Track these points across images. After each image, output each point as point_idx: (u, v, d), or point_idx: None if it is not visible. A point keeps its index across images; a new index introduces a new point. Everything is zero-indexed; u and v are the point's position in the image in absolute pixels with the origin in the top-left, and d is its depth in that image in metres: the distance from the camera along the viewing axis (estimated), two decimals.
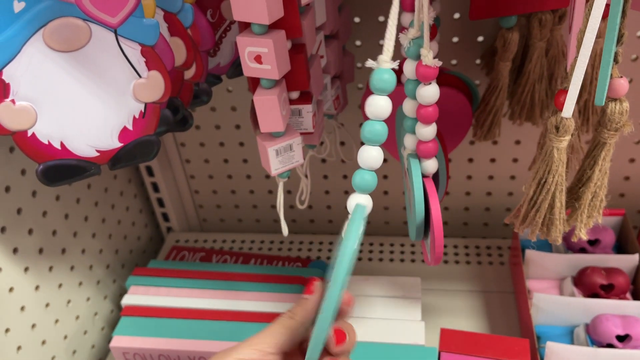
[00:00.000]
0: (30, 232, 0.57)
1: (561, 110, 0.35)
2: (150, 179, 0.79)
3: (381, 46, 0.65)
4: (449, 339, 0.54)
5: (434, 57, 0.39)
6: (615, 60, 0.37)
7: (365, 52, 0.65)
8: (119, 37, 0.38)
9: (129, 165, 0.44)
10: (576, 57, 0.33)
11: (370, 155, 0.37)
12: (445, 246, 0.77)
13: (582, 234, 0.42)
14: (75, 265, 0.65)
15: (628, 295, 0.59)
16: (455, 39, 0.63)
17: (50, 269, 0.61)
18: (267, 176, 0.79)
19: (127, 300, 0.66)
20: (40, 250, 0.59)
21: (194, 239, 0.83)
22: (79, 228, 0.66)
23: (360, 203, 0.37)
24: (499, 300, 0.67)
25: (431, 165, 0.44)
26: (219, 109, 0.73)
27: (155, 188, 0.80)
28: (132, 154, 0.44)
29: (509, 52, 0.48)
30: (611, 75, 0.37)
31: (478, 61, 0.64)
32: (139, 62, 0.40)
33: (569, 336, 0.57)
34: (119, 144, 0.43)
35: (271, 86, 0.44)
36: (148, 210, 0.84)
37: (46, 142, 0.40)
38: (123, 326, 0.63)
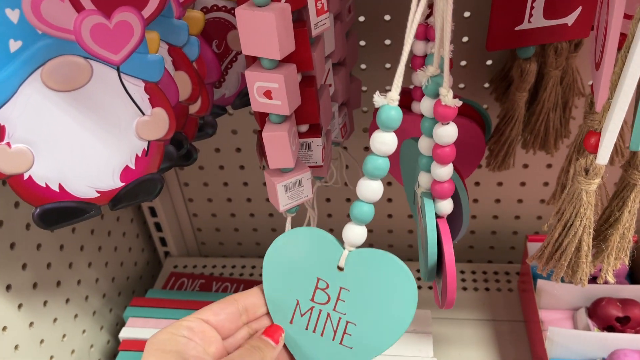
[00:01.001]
0: (24, 267, 0.55)
1: (593, 153, 0.33)
2: (147, 203, 0.76)
3: (387, 69, 0.64)
4: None
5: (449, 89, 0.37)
6: None
7: (371, 75, 0.63)
8: (122, 75, 0.36)
9: (130, 204, 0.42)
10: (609, 99, 0.31)
11: (371, 189, 0.35)
12: None
13: (610, 277, 0.40)
14: (71, 297, 0.63)
15: None
16: (463, 63, 0.61)
17: (45, 303, 0.58)
18: (267, 199, 0.77)
19: (125, 333, 0.64)
20: (35, 285, 0.57)
21: (192, 264, 0.81)
22: (75, 258, 0.63)
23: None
24: (508, 330, 0.65)
25: (446, 206, 0.42)
26: (219, 131, 0.70)
27: (153, 212, 0.78)
28: (134, 193, 0.41)
29: (526, 83, 0.47)
30: None
31: (487, 85, 0.62)
32: (143, 99, 0.38)
33: None
34: (120, 184, 0.40)
35: (281, 121, 0.42)
36: (145, 234, 0.81)
37: (43, 185, 0.37)
38: None
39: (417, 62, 0.48)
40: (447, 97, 0.32)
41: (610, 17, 0.32)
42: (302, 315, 0.38)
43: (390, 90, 0.33)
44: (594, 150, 0.33)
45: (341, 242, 0.37)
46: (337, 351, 0.37)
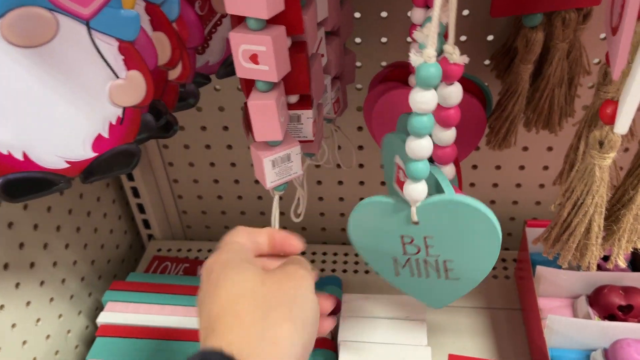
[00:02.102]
0: None
1: (609, 123, 0.30)
2: (130, 184, 0.73)
3: (384, 44, 0.60)
4: None
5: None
6: None
7: (366, 50, 0.60)
8: (92, 31, 0.33)
9: (105, 177, 0.39)
10: (629, 63, 0.28)
11: (420, 146, 0.36)
12: None
13: (620, 261, 0.37)
14: (46, 280, 0.59)
15: None
16: (463, 38, 0.58)
17: (17, 285, 0.55)
18: (257, 181, 0.74)
19: (103, 318, 0.60)
20: (6, 266, 0.53)
21: (177, 247, 0.78)
22: (50, 239, 0.60)
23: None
24: (505, 318, 0.63)
25: (449, 171, 0.39)
26: (205, 108, 0.67)
27: (135, 193, 0.74)
28: (109, 165, 0.38)
29: (532, 54, 0.43)
30: None
31: (487, 62, 0.59)
32: (116, 60, 0.34)
33: None
34: (92, 154, 0.37)
35: (268, 89, 0.39)
36: (127, 216, 0.78)
37: (6, 153, 0.34)
38: (98, 348, 0.58)
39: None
40: (455, 54, 0.29)
41: None
42: (403, 267, 0.43)
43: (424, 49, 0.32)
44: (611, 120, 0.30)
45: (404, 202, 0.40)
46: (448, 285, 0.43)
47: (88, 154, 0.37)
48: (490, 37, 0.57)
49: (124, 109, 0.36)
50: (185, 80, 0.41)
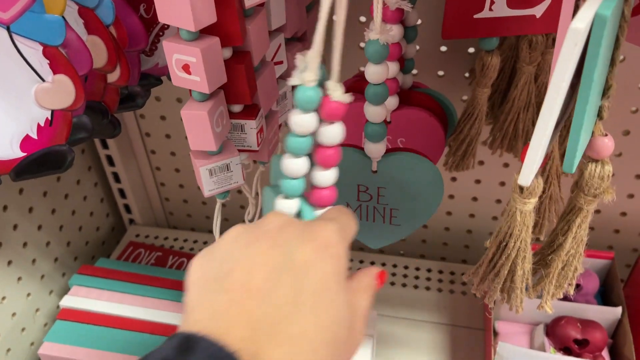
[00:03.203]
0: None
1: None
2: (111, 169, 0.74)
3: (361, 49, 0.59)
4: None
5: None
6: (600, 116, 0.30)
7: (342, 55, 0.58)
8: (14, 35, 0.33)
9: (37, 176, 0.39)
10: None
11: (298, 165, 0.31)
12: (417, 269, 0.71)
13: (548, 307, 0.36)
14: (14, 259, 0.61)
15: (604, 353, 0.53)
16: (443, 48, 0.56)
17: None
18: None
19: (66, 301, 0.62)
20: None
21: (155, 234, 0.79)
22: (20, 220, 0.61)
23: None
24: (466, 337, 0.62)
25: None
26: (185, 100, 0.67)
27: (117, 178, 0.75)
28: (39, 164, 0.38)
29: (487, 78, 0.42)
30: (593, 132, 0.31)
31: (442, 72, 0.57)
32: (42, 64, 0.34)
33: None
34: (21, 154, 0.37)
35: (203, 99, 0.38)
36: (111, 199, 0.79)
37: None
38: (56, 331, 0.59)
39: None
40: (336, 92, 0.27)
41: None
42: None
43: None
44: None
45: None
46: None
47: (16, 153, 0.37)
48: (471, 50, 0.56)
49: (53, 111, 0.36)
50: (126, 83, 0.40)
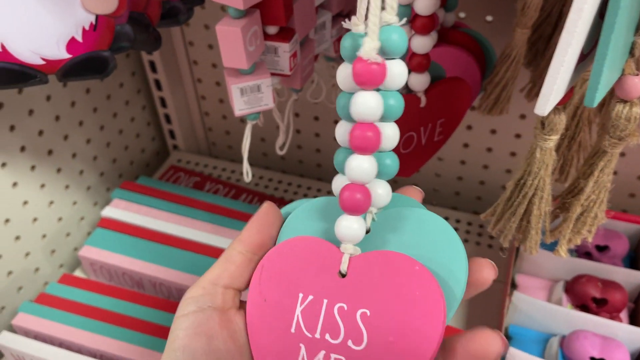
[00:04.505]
0: (11, 128, 0.57)
1: None
2: (158, 93, 0.77)
3: None
4: None
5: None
6: (632, 54, 0.29)
7: None
8: None
9: (80, 79, 0.41)
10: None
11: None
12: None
13: (562, 252, 0.36)
14: (63, 168, 0.65)
15: (622, 315, 0.52)
16: None
17: (32, 168, 0.61)
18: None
19: (107, 212, 0.66)
20: (22, 148, 0.59)
21: (196, 161, 0.82)
22: (71, 132, 0.65)
23: None
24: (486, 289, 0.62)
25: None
26: None
27: (164, 103, 0.78)
28: (83, 67, 0.40)
29: (527, 18, 0.40)
30: (623, 70, 0.30)
31: (490, 18, 0.55)
32: None
33: (543, 344, 0.51)
34: (67, 55, 0.39)
35: (239, 16, 0.39)
36: (157, 124, 0.82)
37: None
38: (96, 237, 0.63)
39: None
40: (366, 46, 0.22)
41: None
42: None
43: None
44: None
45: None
46: None
47: (62, 54, 0.39)
48: None
49: (97, 16, 0.38)
50: None
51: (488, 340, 0.24)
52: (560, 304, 0.53)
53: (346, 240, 0.26)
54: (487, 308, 0.59)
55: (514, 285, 0.57)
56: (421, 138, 0.46)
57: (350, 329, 0.25)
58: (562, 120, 0.30)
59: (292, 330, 0.27)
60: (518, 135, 0.64)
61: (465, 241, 0.68)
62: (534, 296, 0.53)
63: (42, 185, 0.63)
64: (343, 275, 0.26)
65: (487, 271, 0.25)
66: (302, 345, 0.26)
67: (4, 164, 0.57)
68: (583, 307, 0.52)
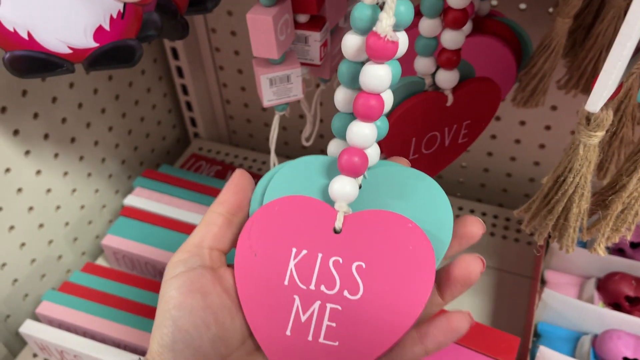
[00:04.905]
0: (35, 116, 0.56)
1: None
2: (180, 80, 0.76)
3: None
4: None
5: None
6: None
7: None
8: None
9: (107, 68, 0.40)
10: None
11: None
12: (471, 211, 0.70)
13: (600, 250, 0.34)
14: (85, 156, 0.65)
15: None
16: None
17: (56, 156, 0.60)
18: None
19: (129, 201, 0.65)
20: (46, 136, 0.58)
21: (218, 149, 0.81)
22: (93, 119, 0.64)
23: None
24: (512, 283, 0.61)
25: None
26: None
27: (185, 91, 0.77)
28: (110, 56, 0.40)
29: (569, 7, 0.39)
30: None
31: (523, 6, 0.54)
32: None
33: (573, 342, 0.50)
34: (94, 44, 0.39)
35: (270, 4, 0.38)
36: (178, 112, 0.82)
37: (12, 30, 0.36)
38: (119, 226, 0.63)
39: None
40: (383, 22, 0.23)
41: None
42: None
43: None
44: None
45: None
46: None
47: (90, 43, 0.38)
48: None
49: (125, 4, 0.37)
50: None
51: (468, 263, 0.27)
52: (591, 302, 0.51)
53: (341, 199, 0.27)
54: (515, 305, 0.58)
55: (543, 282, 0.56)
56: (445, 139, 0.44)
57: (346, 281, 0.27)
58: (609, 116, 0.29)
59: (285, 282, 0.27)
60: (548, 127, 0.62)
61: (490, 235, 0.66)
62: (564, 293, 0.52)
63: (65, 173, 0.62)
64: (337, 232, 0.27)
65: (476, 225, 0.28)
66: (296, 297, 0.27)
67: (27, 152, 0.56)
68: (615, 305, 0.51)
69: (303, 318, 0.27)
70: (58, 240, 0.63)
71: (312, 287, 0.27)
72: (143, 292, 0.58)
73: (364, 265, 0.27)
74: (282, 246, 0.28)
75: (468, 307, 0.59)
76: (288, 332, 0.27)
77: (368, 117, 0.26)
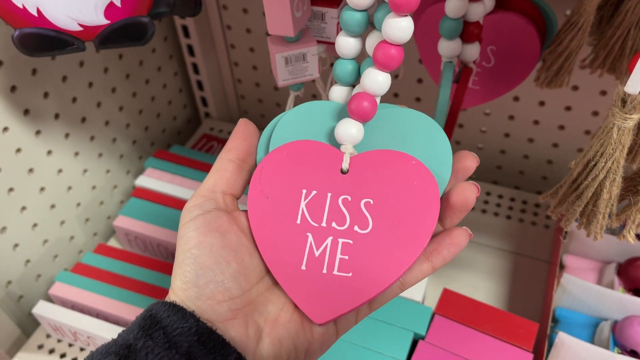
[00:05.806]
0: (45, 95, 0.55)
1: None
2: (191, 59, 0.74)
3: None
4: (449, 302, 0.49)
5: None
6: None
7: None
8: None
9: (119, 46, 0.39)
10: None
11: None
12: (488, 193, 0.69)
13: (630, 237, 0.33)
14: (96, 136, 0.64)
15: None
16: None
17: (67, 135, 0.59)
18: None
19: (141, 181, 0.65)
20: (56, 116, 0.58)
21: (229, 129, 0.80)
22: (104, 99, 0.64)
23: None
24: (529, 267, 0.60)
25: None
26: None
27: (196, 70, 0.76)
28: (122, 33, 0.38)
29: None
30: None
31: None
32: None
33: (592, 328, 0.49)
34: (105, 21, 0.37)
35: None
36: (189, 91, 0.80)
37: (20, 6, 0.35)
38: (130, 207, 0.62)
39: None
40: None
41: None
42: None
43: None
44: None
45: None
46: None
47: (101, 20, 0.37)
48: None
49: None
50: None
51: (464, 189, 0.28)
52: (611, 287, 0.50)
53: (347, 141, 0.29)
54: (533, 289, 0.57)
55: (562, 266, 0.54)
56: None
57: (356, 216, 0.28)
58: None
59: (298, 221, 0.29)
60: (568, 108, 0.60)
61: (507, 218, 0.65)
62: (583, 278, 0.51)
63: (76, 154, 0.62)
64: (344, 173, 0.29)
65: (470, 159, 0.29)
66: (309, 234, 0.28)
67: (38, 132, 0.56)
68: (636, 291, 0.50)
69: (317, 253, 0.28)
70: (70, 221, 0.63)
71: (324, 224, 0.28)
72: (156, 274, 0.57)
73: (372, 202, 0.28)
74: (292, 188, 0.29)
75: (484, 291, 0.58)
76: (303, 267, 0.28)
77: (386, 67, 0.27)
